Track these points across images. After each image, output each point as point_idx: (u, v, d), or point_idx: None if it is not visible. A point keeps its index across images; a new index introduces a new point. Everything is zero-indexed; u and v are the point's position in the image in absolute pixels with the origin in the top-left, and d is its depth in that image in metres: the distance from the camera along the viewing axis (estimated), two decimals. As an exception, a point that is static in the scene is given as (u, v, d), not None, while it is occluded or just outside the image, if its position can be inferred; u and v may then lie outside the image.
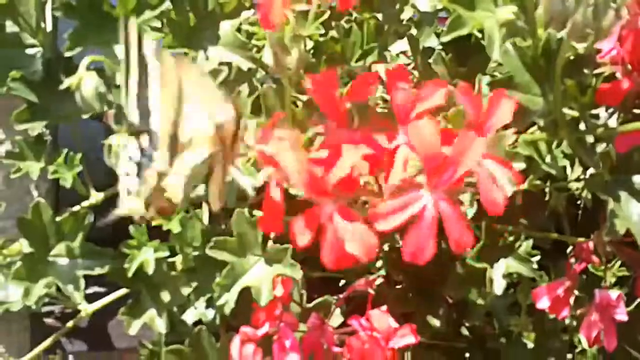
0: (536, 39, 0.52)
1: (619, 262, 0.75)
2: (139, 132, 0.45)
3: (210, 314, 0.69)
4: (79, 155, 0.72)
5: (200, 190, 0.49)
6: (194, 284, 0.68)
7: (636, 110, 0.55)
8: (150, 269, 0.68)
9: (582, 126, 0.56)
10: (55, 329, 0.76)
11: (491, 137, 0.41)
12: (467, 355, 0.79)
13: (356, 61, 0.73)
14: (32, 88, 0.73)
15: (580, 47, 0.50)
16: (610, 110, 0.56)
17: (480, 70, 0.65)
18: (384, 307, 0.58)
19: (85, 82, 0.55)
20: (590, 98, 0.54)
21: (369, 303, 0.59)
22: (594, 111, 0.56)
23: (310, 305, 0.67)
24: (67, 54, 0.69)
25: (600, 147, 0.56)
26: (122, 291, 0.73)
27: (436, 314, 0.74)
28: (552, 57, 0.51)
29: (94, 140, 0.76)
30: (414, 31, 0.77)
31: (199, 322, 0.69)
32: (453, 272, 0.72)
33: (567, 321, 0.76)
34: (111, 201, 0.71)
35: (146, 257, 0.69)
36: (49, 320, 0.81)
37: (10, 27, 0.74)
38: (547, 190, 0.75)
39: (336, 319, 0.66)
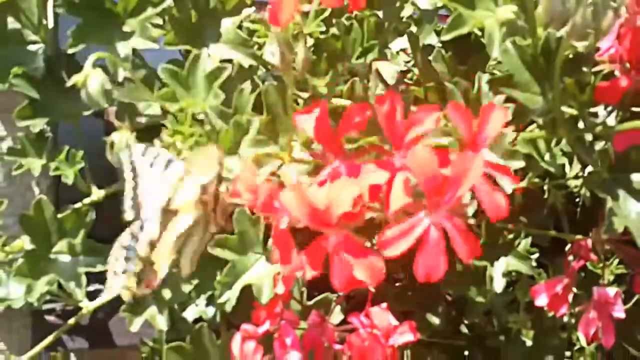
0: (536, 38, 0.52)
1: (617, 260, 0.75)
2: (131, 222, 0.51)
3: (211, 311, 0.70)
4: (80, 152, 0.73)
5: None
6: (195, 282, 0.68)
7: (635, 109, 0.55)
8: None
9: (580, 124, 0.56)
10: (56, 326, 0.76)
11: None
12: (467, 352, 0.79)
13: (357, 58, 0.73)
14: (33, 85, 0.74)
15: (580, 45, 0.50)
16: (609, 108, 0.56)
17: (480, 68, 0.66)
18: (384, 305, 0.59)
19: (91, 79, 0.55)
20: (589, 96, 0.54)
21: (369, 301, 0.59)
22: (592, 109, 0.56)
23: (311, 302, 0.67)
24: (70, 51, 0.69)
25: (599, 145, 0.56)
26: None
27: (436, 311, 0.74)
28: (552, 55, 0.52)
29: (94, 137, 0.76)
30: (414, 28, 0.77)
31: (199, 320, 0.69)
32: (452, 270, 0.72)
33: (565, 318, 0.76)
34: (112, 198, 0.72)
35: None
36: (50, 318, 0.81)
37: (12, 23, 0.75)
38: (546, 188, 0.75)
39: (336, 316, 0.66)
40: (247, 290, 0.62)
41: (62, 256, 0.72)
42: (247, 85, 0.60)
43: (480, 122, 0.42)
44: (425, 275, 0.40)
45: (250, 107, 0.64)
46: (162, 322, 0.70)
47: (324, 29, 0.69)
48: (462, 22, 0.56)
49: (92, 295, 0.74)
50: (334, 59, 0.72)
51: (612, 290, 0.65)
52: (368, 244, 0.44)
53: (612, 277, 0.75)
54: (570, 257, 0.69)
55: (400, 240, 0.40)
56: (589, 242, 0.69)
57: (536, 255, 0.68)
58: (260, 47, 0.71)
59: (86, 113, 0.73)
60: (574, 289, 0.68)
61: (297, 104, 0.65)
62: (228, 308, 0.62)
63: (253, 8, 0.73)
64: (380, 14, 0.75)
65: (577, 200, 0.80)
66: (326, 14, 0.69)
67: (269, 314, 0.59)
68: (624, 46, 0.53)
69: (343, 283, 0.42)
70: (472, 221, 0.43)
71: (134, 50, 0.70)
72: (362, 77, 0.68)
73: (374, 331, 0.57)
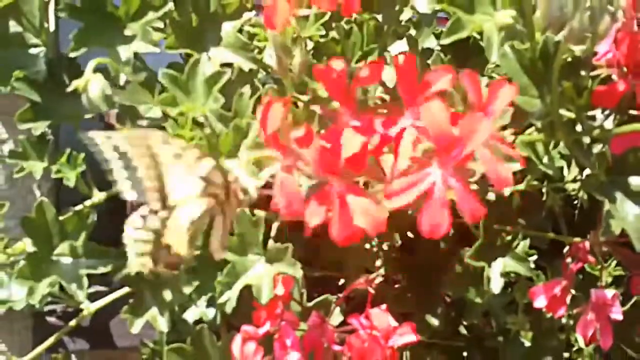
0: (534, 42, 0.52)
1: (615, 262, 0.75)
2: (139, 204, 0.51)
3: (211, 312, 0.70)
4: (82, 155, 0.73)
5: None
6: (196, 283, 0.68)
7: (632, 112, 0.56)
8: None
9: (578, 128, 0.56)
10: (57, 328, 0.76)
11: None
12: (465, 353, 0.80)
13: (356, 62, 0.73)
14: (35, 88, 0.74)
15: (577, 49, 0.50)
16: (607, 111, 0.56)
17: (478, 71, 0.66)
18: (384, 306, 0.59)
19: (92, 84, 0.56)
20: (586, 100, 0.55)
21: (369, 302, 0.60)
22: (590, 113, 0.56)
23: (311, 304, 0.68)
24: (72, 55, 0.69)
25: (597, 148, 0.57)
26: (124, 290, 0.74)
27: (435, 312, 0.74)
28: (550, 59, 0.52)
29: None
30: (413, 32, 0.77)
31: (200, 321, 0.69)
32: (451, 271, 0.73)
33: (563, 320, 0.76)
34: (113, 201, 0.72)
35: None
36: (51, 319, 0.81)
37: (14, 27, 0.75)
38: (544, 190, 0.75)
39: (336, 317, 0.66)
40: (247, 291, 0.62)
41: (63, 258, 0.72)
42: (246, 90, 0.61)
43: (488, 96, 0.43)
44: (429, 230, 0.40)
45: (250, 111, 0.64)
46: (162, 324, 0.70)
47: (323, 32, 0.70)
48: (461, 27, 0.56)
49: (93, 297, 0.74)
50: (333, 62, 0.72)
51: (609, 292, 0.66)
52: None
53: (610, 279, 0.75)
54: (569, 259, 0.70)
55: (406, 191, 0.40)
56: (587, 244, 0.69)
57: (534, 257, 0.69)
58: (261, 50, 0.71)
59: (87, 116, 0.73)
60: (572, 291, 0.69)
61: (297, 107, 0.66)
62: (228, 308, 0.62)
63: (253, 12, 0.73)
64: (379, 17, 0.75)
65: (575, 202, 0.80)
66: (326, 17, 0.70)
67: (269, 315, 0.59)
68: (621, 51, 0.53)
69: (343, 231, 0.42)
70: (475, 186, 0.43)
71: (135, 54, 0.71)
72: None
73: (373, 332, 0.58)
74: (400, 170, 0.42)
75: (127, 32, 0.71)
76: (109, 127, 0.74)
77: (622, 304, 0.66)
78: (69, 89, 0.56)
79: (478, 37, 0.69)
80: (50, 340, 0.75)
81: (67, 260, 0.72)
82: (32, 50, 0.76)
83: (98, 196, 0.75)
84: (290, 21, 0.45)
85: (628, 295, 0.72)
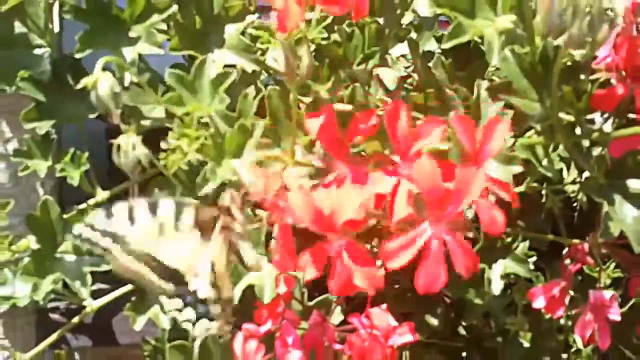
0: (534, 47, 0.53)
1: (613, 264, 0.76)
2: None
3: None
4: (85, 154, 0.74)
5: None
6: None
7: (630, 115, 0.56)
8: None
9: (578, 131, 0.56)
10: (60, 325, 0.77)
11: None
12: (465, 354, 0.80)
13: (358, 64, 0.74)
14: (40, 88, 0.75)
15: (577, 54, 0.51)
16: (605, 115, 0.57)
17: (479, 75, 0.66)
18: (384, 306, 0.59)
19: (101, 83, 0.56)
20: (586, 103, 0.55)
21: (369, 302, 0.60)
22: (589, 116, 0.56)
23: (312, 303, 0.68)
24: (77, 56, 0.70)
25: (596, 151, 0.57)
26: (127, 288, 0.74)
27: (434, 313, 0.75)
28: (550, 63, 0.52)
29: (95, 138, 0.77)
30: (414, 35, 0.78)
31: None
32: (451, 272, 0.73)
33: (562, 321, 0.77)
34: (116, 199, 0.73)
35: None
36: (54, 316, 0.82)
37: (19, 27, 0.76)
38: (543, 192, 0.76)
39: (337, 316, 0.67)
40: (249, 290, 0.62)
41: (67, 256, 0.73)
42: (251, 90, 0.61)
43: (484, 135, 0.43)
44: (425, 286, 0.41)
45: (254, 111, 0.65)
46: (165, 321, 0.71)
47: (325, 35, 0.70)
48: (462, 31, 0.56)
49: (96, 294, 0.75)
50: (335, 65, 0.73)
51: (608, 294, 0.66)
52: (368, 247, 0.45)
53: (608, 281, 0.75)
54: (567, 261, 0.70)
55: (403, 251, 0.41)
56: (586, 246, 0.70)
57: (534, 259, 0.69)
58: (263, 52, 0.71)
59: (92, 116, 0.74)
60: (571, 292, 0.69)
61: (299, 108, 0.66)
62: (231, 307, 0.63)
63: (256, 15, 0.73)
64: (381, 20, 0.76)
65: (575, 204, 0.80)
66: (328, 20, 0.70)
67: (270, 313, 0.60)
68: (620, 55, 0.54)
69: (341, 288, 0.43)
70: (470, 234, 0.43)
71: (139, 55, 0.71)
72: (363, 82, 0.69)
73: (373, 332, 0.58)
74: (395, 226, 0.42)
75: (132, 34, 0.71)
76: (113, 127, 0.75)
77: (621, 306, 0.67)
78: (78, 87, 0.57)
79: (479, 41, 0.69)
80: (53, 336, 0.75)
81: (70, 257, 0.73)
82: (37, 51, 0.76)
83: (101, 195, 0.76)
84: (299, 24, 0.45)
85: (626, 297, 0.73)
